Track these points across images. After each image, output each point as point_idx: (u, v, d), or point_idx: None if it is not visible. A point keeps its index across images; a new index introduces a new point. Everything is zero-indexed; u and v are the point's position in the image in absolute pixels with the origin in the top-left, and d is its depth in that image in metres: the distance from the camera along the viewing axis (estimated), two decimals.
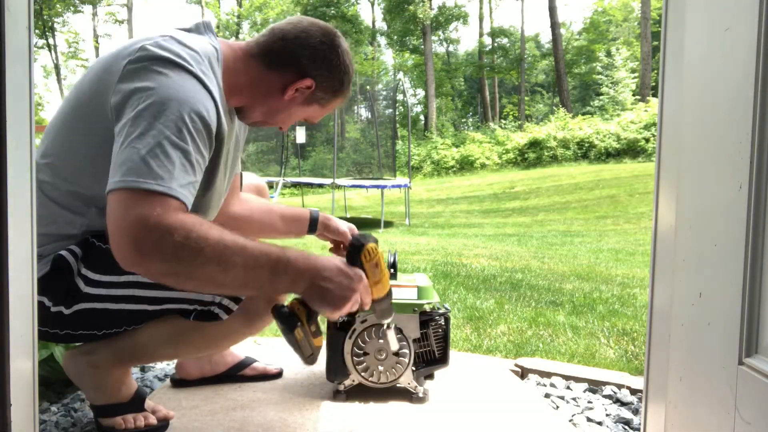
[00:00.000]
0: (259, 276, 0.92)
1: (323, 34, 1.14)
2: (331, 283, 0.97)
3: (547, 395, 1.59)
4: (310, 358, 1.05)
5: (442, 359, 1.42)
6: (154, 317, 1.15)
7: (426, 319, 1.39)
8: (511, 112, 32.86)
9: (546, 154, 19.88)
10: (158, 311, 1.14)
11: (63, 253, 1.06)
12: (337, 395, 1.40)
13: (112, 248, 0.87)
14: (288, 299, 1.09)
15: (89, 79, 1.05)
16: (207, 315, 1.15)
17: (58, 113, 1.12)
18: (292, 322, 0.99)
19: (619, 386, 1.64)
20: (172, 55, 0.97)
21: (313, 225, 1.45)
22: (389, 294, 1.18)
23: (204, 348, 1.24)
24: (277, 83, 1.13)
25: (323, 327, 1.39)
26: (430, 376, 1.47)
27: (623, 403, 1.54)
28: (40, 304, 1.06)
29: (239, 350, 1.56)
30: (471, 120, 36.42)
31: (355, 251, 1.07)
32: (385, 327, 1.30)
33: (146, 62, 0.96)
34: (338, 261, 1.02)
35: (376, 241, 1.12)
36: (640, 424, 1.19)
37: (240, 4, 34.57)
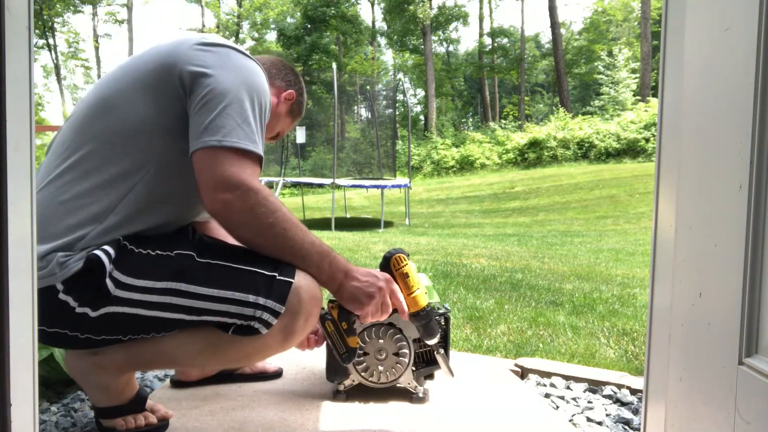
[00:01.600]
0: (310, 254, 1.11)
1: (290, 64, 1.43)
2: (359, 282, 1.13)
3: (547, 395, 1.60)
4: (345, 356, 1.17)
5: None
6: (187, 327, 1.12)
7: None
8: (511, 112, 32.86)
9: (546, 154, 19.89)
10: (195, 321, 1.10)
11: (97, 252, 1.03)
12: (337, 395, 1.40)
13: (203, 194, 1.05)
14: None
15: (138, 66, 1.13)
16: (246, 329, 1.10)
17: (89, 106, 1.12)
18: (323, 316, 1.14)
19: (619, 386, 1.64)
20: (238, 46, 1.15)
21: None
22: (428, 311, 1.23)
23: (235, 361, 1.21)
24: (272, 95, 1.31)
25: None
26: (430, 376, 1.47)
27: (623, 403, 1.54)
28: (65, 304, 1.04)
29: None
30: (471, 120, 36.43)
31: (384, 261, 1.20)
32: (435, 352, 1.34)
33: (218, 47, 1.12)
34: (371, 269, 1.17)
35: (407, 255, 1.22)
36: (640, 424, 1.19)
37: (240, 4, 34.56)
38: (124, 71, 1.15)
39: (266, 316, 1.09)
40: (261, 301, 1.09)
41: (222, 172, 1.03)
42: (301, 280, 1.12)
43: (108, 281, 1.04)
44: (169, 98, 1.09)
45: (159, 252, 1.09)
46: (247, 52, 1.17)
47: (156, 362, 1.19)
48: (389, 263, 1.21)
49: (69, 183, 1.08)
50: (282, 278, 1.10)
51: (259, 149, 1.08)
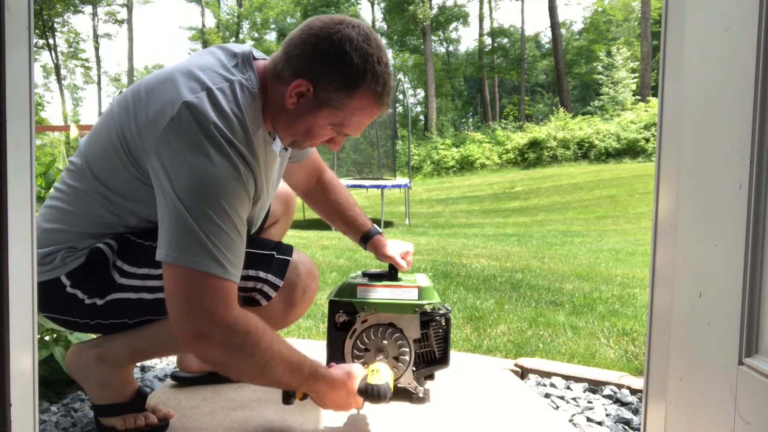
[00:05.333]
0: (288, 384, 1.10)
1: (321, 28, 1.02)
2: (333, 405, 1.16)
3: (547, 395, 1.60)
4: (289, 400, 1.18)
5: (443, 360, 1.42)
6: None
7: (426, 319, 1.39)
8: (512, 112, 32.81)
9: (546, 154, 19.86)
10: None
11: (100, 245, 1.09)
12: None
13: (172, 325, 0.98)
14: None
15: (130, 111, 1.05)
16: (248, 301, 1.17)
17: (103, 124, 1.11)
18: (288, 397, 1.16)
19: (619, 386, 1.64)
20: (213, 128, 0.98)
21: (364, 240, 1.50)
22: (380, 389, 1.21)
23: None
24: (281, 94, 1.06)
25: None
26: (431, 377, 1.46)
27: (623, 403, 1.54)
28: (74, 297, 1.10)
29: None
30: (471, 120, 36.39)
31: (370, 400, 1.17)
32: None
33: (187, 132, 0.97)
34: (351, 381, 1.15)
35: (389, 392, 1.19)
36: (640, 424, 1.19)
37: (240, 4, 34.55)
38: (112, 118, 1.09)
39: (266, 288, 1.16)
40: (261, 275, 1.15)
41: (188, 305, 0.96)
42: (298, 257, 1.20)
43: (113, 271, 1.11)
44: (133, 178, 1.06)
45: None
46: (221, 135, 0.98)
47: (158, 348, 1.23)
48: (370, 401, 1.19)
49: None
50: (280, 257, 1.17)
51: (227, 272, 0.96)
